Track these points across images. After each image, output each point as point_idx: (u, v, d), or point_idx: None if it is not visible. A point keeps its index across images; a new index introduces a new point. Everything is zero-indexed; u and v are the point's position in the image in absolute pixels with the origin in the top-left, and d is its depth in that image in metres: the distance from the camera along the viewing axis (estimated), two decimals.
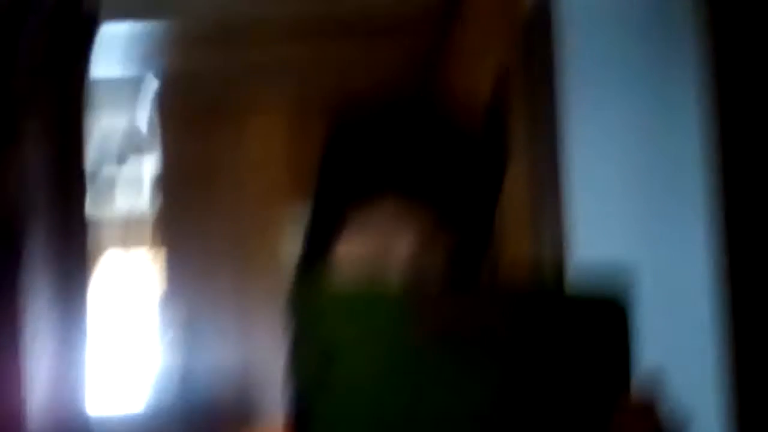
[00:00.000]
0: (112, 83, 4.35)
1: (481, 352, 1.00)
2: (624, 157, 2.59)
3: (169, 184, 4.67)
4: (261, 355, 4.08)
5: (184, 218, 4.56)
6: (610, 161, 2.58)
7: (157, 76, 4.54)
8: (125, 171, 5.32)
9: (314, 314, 0.99)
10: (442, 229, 1.27)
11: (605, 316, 1.00)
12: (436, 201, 1.29)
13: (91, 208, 2.78)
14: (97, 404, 2.92)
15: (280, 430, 1.09)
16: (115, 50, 3.99)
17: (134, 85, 4.62)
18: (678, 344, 2.49)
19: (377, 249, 1.27)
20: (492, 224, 1.38)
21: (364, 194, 1.30)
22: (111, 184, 5.24)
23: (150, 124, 4.85)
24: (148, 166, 5.09)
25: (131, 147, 5.09)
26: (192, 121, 4.59)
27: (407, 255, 1.27)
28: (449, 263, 1.27)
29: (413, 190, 1.29)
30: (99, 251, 3.91)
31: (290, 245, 3.93)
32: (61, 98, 2.37)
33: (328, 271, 1.30)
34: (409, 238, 1.27)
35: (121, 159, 5.13)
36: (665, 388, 1.06)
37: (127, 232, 5.79)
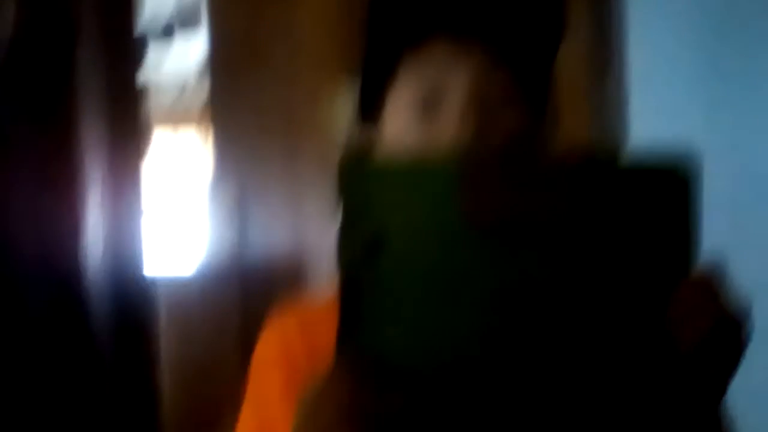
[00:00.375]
0: None
1: (529, 233, 0.96)
2: (691, 37, 2.46)
3: (218, 60, 4.58)
4: (313, 232, 4.03)
5: (234, 96, 4.47)
6: (675, 43, 2.47)
7: None
8: (174, 47, 5.29)
9: (361, 193, 0.97)
10: (498, 70, 1.23)
11: (665, 187, 0.95)
12: (492, 40, 1.24)
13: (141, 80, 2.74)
14: (151, 265, 2.92)
15: (332, 299, 1.05)
16: None
17: None
18: (746, 229, 2.41)
19: (432, 91, 1.24)
20: (551, 74, 1.31)
21: (417, 34, 1.26)
22: (159, 60, 5.19)
23: None
24: (198, 42, 4.96)
25: (180, 21, 5.02)
26: None
27: (462, 96, 1.23)
28: (506, 107, 1.23)
29: (468, 29, 1.24)
30: (149, 129, 3.87)
31: (342, 122, 3.85)
32: None
33: (375, 142, 1.27)
34: (464, 78, 1.23)
35: (169, 32, 5.07)
36: (729, 271, 1.01)
37: (176, 110, 5.76)
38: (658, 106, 2.50)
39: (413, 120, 1.23)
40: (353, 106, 1.33)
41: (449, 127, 1.21)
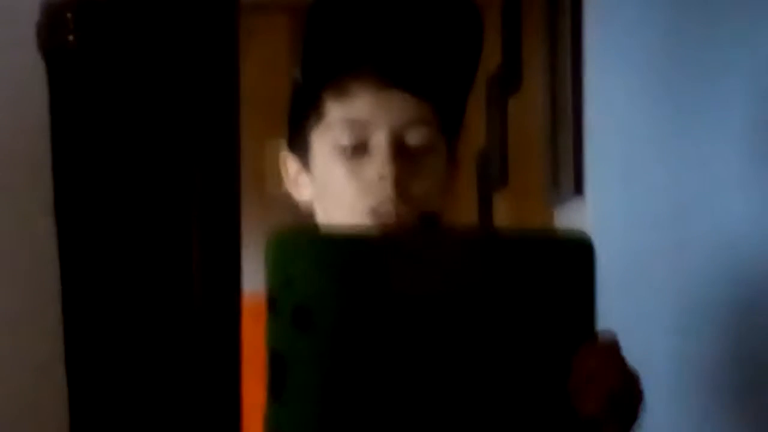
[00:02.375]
0: None
1: (448, 306, 1.02)
2: (646, 93, 2.53)
3: None
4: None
5: None
6: (630, 98, 2.55)
7: None
8: None
9: (288, 268, 1.01)
10: (419, 107, 1.35)
11: (568, 257, 1.03)
12: (412, 81, 1.33)
13: None
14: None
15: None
16: None
17: None
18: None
19: (358, 136, 1.33)
20: (465, 103, 1.44)
21: (339, 73, 1.34)
22: None
23: None
24: None
25: None
26: None
27: (387, 140, 1.32)
28: (427, 148, 1.36)
29: (388, 71, 1.32)
30: None
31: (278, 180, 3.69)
32: None
33: (302, 179, 1.42)
34: (388, 122, 1.33)
35: None
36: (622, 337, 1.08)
37: None
38: (613, 160, 2.64)
39: (342, 164, 1.37)
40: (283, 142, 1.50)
41: (375, 170, 1.34)
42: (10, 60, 0.81)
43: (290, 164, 1.47)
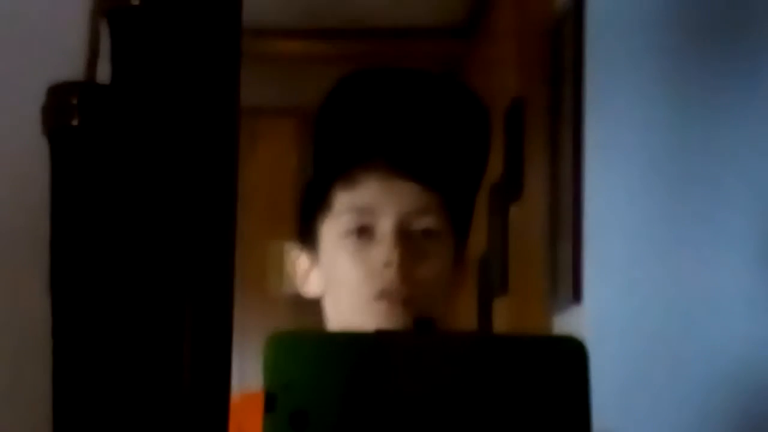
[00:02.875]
0: None
1: (443, 407, 1.02)
2: (647, 202, 2.53)
3: None
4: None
5: None
6: (631, 207, 2.56)
7: None
8: None
9: (284, 371, 1.02)
10: (427, 197, 1.36)
11: (562, 358, 1.03)
12: (419, 171, 1.35)
13: None
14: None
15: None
16: None
17: None
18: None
19: (365, 222, 1.36)
20: (474, 204, 1.46)
21: (346, 165, 1.37)
22: None
23: None
24: None
25: None
26: None
27: (392, 226, 1.34)
28: (432, 237, 1.37)
29: (395, 161, 1.35)
30: None
31: (288, 281, 3.71)
32: None
33: (312, 271, 1.43)
34: (393, 209, 1.35)
35: None
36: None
37: None
38: (612, 268, 2.65)
39: (348, 249, 1.38)
40: (294, 236, 1.52)
41: (381, 256, 1.36)
42: (14, 140, 0.83)
43: (301, 261, 1.49)
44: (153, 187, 0.83)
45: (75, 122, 0.87)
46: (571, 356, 1.05)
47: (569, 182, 2.77)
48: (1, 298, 0.80)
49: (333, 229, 1.40)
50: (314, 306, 1.54)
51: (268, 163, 4.64)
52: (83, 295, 0.80)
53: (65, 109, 0.89)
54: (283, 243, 3.88)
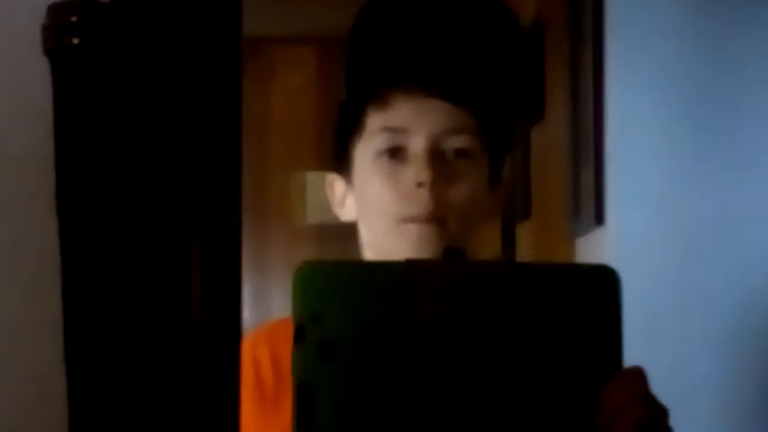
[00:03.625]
0: None
1: (471, 336, 1.01)
2: (671, 126, 2.55)
3: None
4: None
5: None
6: (655, 130, 2.56)
7: None
8: None
9: (314, 300, 1.01)
10: (460, 117, 1.34)
11: (595, 287, 1.02)
12: (450, 92, 1.33)
13: None
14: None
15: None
16: None
17: None
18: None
19: (397, 142, 1.34)
20: (511, 125, 1.45)
21: (378, 87, 1.35)
22: None
23: None
24: None
25: None
26: None
27: (424, 147, 1.32)
28: (466, 158, 1.35)
29: (426, 81, 1.33)
30: None
31: (310, 210, 3.73)
32: None
33: (347, 193, 1.41)
34: (425, 130, 1.33)
35: None
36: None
37: None
38: (635, 188, 2.62)
39: (380, 170, 1.36)
40: (330, 162, 1.48)
41: (412, 176, 1.34)
42: (14, 60, 0.83)
43: (337, 186, 1.46)
44: (155, 105, 0.82)
45: (75, 41, 0.85)
46: (604, 285, 1.04)
47: (591, 103, 2.75)
48: (9, 221, 0.79)
49: (366, 150, 1.38)
50: (338, 236, 1.52)
51: (289, 93, 4.61)
52: (90, 215, 0.79)
53: (65, 28, 0.87)
54: (305, 173, 3.90)
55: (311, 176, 3.85)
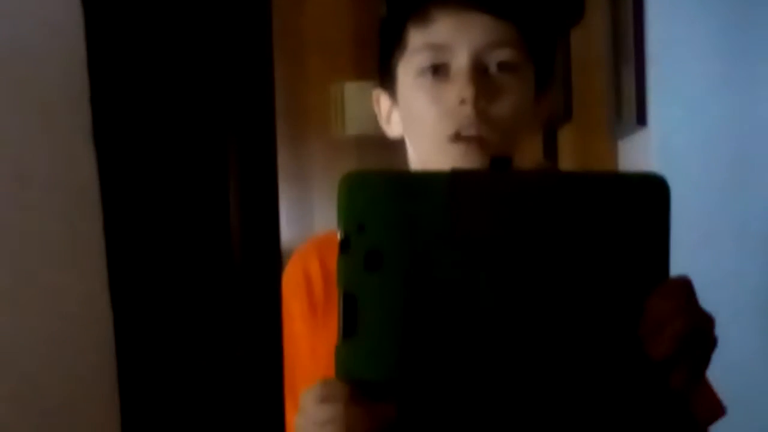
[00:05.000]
0: None
1: (516, 247, 1.00)
2: (711, 26, 2.55)
3: None
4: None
5: None
6: (694, 32, 2.56)
7: None
8: None
9: (359, 211, 1.00)
10: (503, 32, 1.32)
11: (642, 196, 1.02)
12: (492, 6, 1.30)
13: None
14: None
15: None
16: None
17: None
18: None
19: (440, 57, 1.32)
20: (555, 39, 1.48)
21: (418, 3, 1.33)
22: None
23: None
24: None
25: None
26: None
27: (467, 61, 1.31)
28: (510, 71, 1.33)
29: None
30: None
31: (349, 120, 3.71)
32: None
33: (392, 108, 1.40)
34: (468, 45, 1.31)
35: None
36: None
37: None
38: (677, 89, 2.61)
39: (423, 88, 1.35)
40: (375, 80, 1.47)
41: (455, 93, 1.32)
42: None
43: (383, 102, 1.45)
44: (188, 30, 0.80)
45: None
46: (653, 194, 1.03)
47: (631, 2, 2.71)
48: (47, 152, 0.79)
49: (409, 68, 1.36)
50: (378, 147, 1.51)
51: (325, 4, 4.58)
52: (128, 147, 0.78)
53: None
54: (343, 83, 3.88)
55: (350, 87, 3.81)
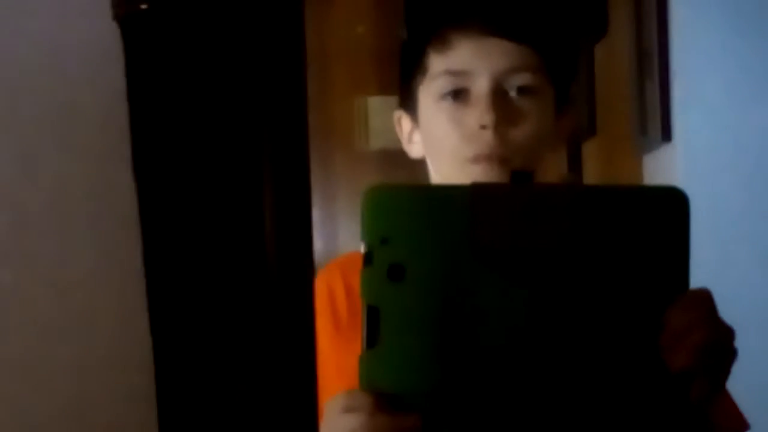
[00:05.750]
0: None
1: (537, 261, 1.01)
2: (735, 38, 2.53)
3: None
4: (344, 245, 3.74)
5: None
6: (719, 43, 2.56)
7: None
8: None
9: (383, 224, 1.02)
10: (523, 56, 1.32)
11: (662, 208, 1.03)
12: (512, 31, 1.31)
13: None
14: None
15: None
16: None
17: None
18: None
19: (460, 83, 1.33)
20: (576, 59, 1.45)
21: (443, 22, 1.34)
22: None
23: None
24: None
25: None
26: None
27: (487, 86, 1.31)
28: (530, 95, 1.33)
29: (488, 21, 1.31)
30: None
31: (374, 134, 3.72)
32: None
33: (413, 131, 1.42)
34: (488, 69, 1.32)
35: None
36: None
37: None
38: (702, 104, 2.60)
39: (444, 112, 1.36)
40: (395, 105, 1.48)
41: (476, 118, 1.33)
42: (85, 28, 0.83)
43: (404, 122, 1.46)
44: (224, 65, 0.81)
45: (144, 6, 0.86)
46: (673, 207, 1.03)
47: (654, 17, 2.70)
48: (89, 182, 0.80)
49: (429, 92, 1.37)
50: (401, 161, 1.52)
51: (348, 18, 4.58)
52: (167, 173, 0.79)
53: None
54: (367, 98, 3.88)
55: (373, 101, 3.82)
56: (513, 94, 1.34)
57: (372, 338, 1.03)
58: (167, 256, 0.79)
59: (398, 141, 1.49)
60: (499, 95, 1.33)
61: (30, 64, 0.78)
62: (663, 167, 2.79)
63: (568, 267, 1.02)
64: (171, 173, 0.80)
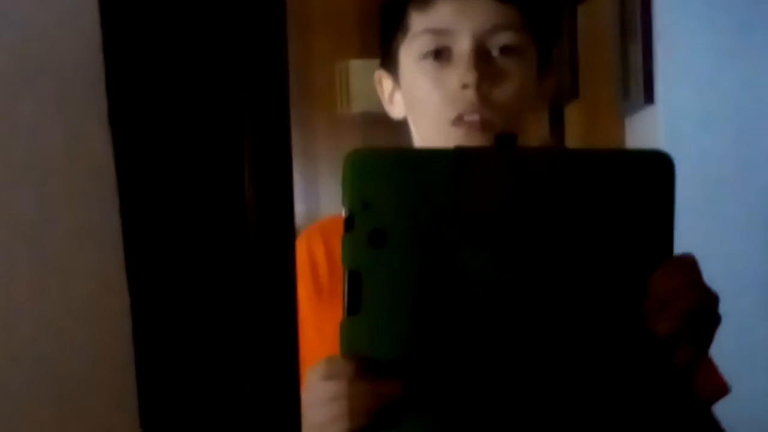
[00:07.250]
0: None
1: (521, 225, 1.00)
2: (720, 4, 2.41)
3: None
4: (326, 209, 3.65)
5: None
6: (702, 7, 2.55)
7: None
8: None
9: (364, 189, 1.00)
10: (506, 13, 1.31)
11: (647, 172, 1.01)
12: None
13: None
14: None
15: None
16: None
17: None
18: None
19: (441, 42, 1.31)
20: (558, 17, 1.44)
21: None
22: None
23: None
24: None
25: None
26: None
27: (469, 45, 1.30)
28: (512, 54, 1.32)
29: None
30: None
31: (355, 97, 3.71)
32: None
33: (394, 91, 1.40)
34: (469, 29, 1.30)
35: None
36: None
37: None
38: (684, 66, 2.60)
39: (425, 72, 1.35)
40: (377, 65, 1.46)
41: (458, 78, 1.32)
42: None
43: (385, 83, 1.45)
44: (203, 23, 0.80)
45: None
46: (658, 171, 1.02)
47: None
48: (61, 134, 0.79)
49: (410, 51, 1.36)
50: (384, 125, 1.51)
51: None
52: (143, 125, 0.78)
53: None
54: (348, 61, 3.87)
55: (355, 64, 3.80)
56: (495, 53, 1.33)
57: (353, 304, 1.02)
58: (145, 219, 0.78)
59: (380, 104, 1.48)
60: (481, 54, 1.32)
61: (3, 16, 0.76)
62: (645, 130, 2.79)
63: (552, 231, 1.01)
64: (148, 129, 0.79)
